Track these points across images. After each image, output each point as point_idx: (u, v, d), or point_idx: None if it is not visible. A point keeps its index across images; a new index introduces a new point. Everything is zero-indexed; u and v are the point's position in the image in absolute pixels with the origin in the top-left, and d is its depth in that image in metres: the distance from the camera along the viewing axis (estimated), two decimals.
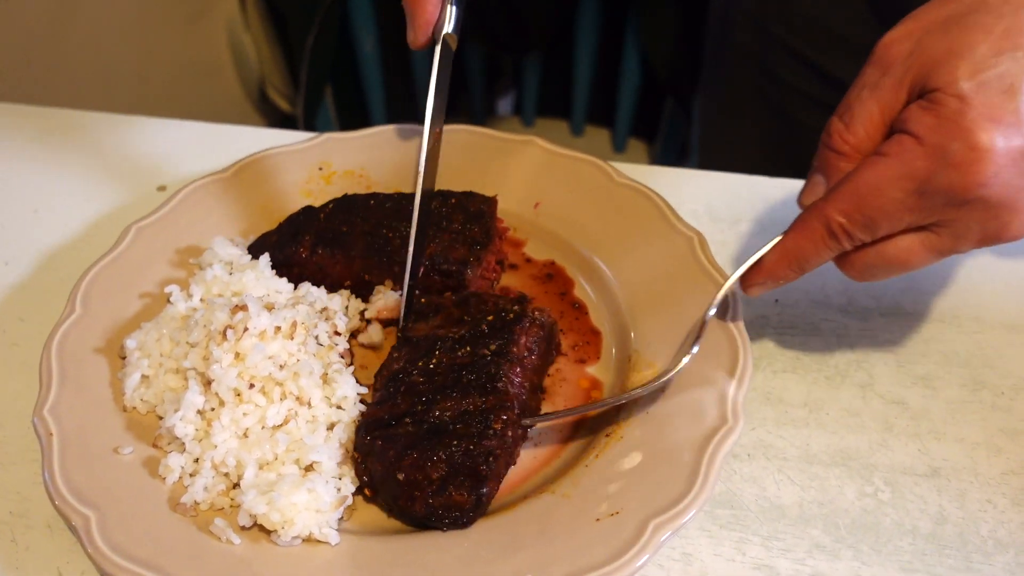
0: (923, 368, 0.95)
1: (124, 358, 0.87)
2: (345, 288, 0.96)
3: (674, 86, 2.09)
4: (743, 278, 0.87)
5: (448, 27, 0.89)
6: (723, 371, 0.85)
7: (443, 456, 0.75)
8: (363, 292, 0.96)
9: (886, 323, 1.00)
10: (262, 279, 0.90)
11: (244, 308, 0.81)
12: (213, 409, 0.80)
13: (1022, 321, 1.00)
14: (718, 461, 0.78)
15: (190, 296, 0.90)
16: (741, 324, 0.88)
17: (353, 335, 0.94)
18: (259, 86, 2.42)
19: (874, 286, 1.03)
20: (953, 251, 0.78)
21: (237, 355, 0.80)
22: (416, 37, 0.89)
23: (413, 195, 0.91)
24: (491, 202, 0.99)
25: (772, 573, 0.79)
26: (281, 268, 0.95)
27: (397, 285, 0.94)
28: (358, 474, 0.78)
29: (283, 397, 0.80)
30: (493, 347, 0.83)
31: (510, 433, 0.78)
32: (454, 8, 0.89)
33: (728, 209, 1.14)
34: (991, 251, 1.08)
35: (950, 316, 1.01)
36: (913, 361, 0.96)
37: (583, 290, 0.99)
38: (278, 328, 0.82)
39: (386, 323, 0.95)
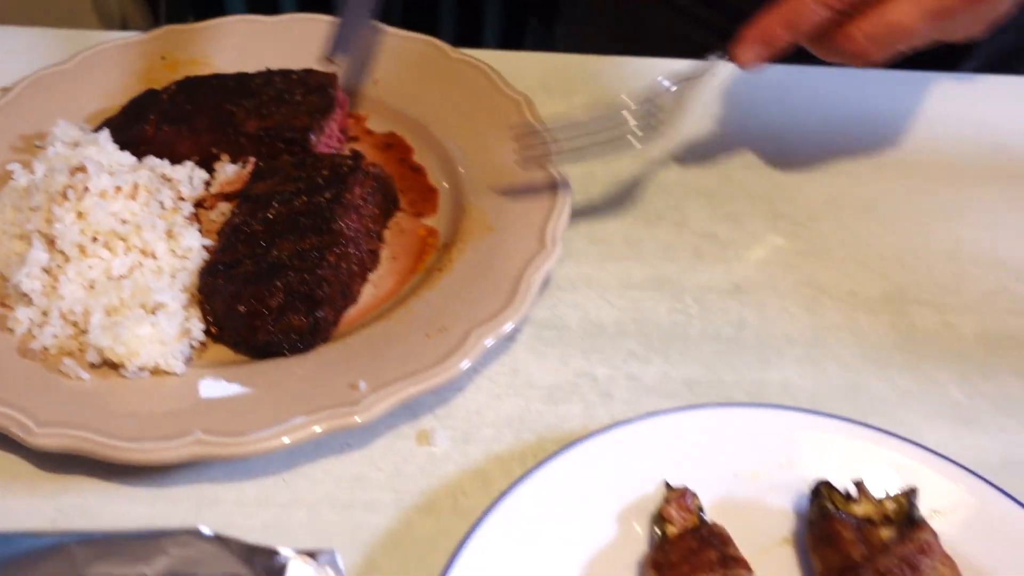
0: (731, 206, 1.05)
1: None
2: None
3: (536, 6, 2.16)
4: (735, 49, 0.85)
5: None
6: (543, 208, 0.93)
7: (280, 285, 0.81)
8: (211, 167, 1.00)
9: (700, 172, 1.10)
10: (104, 153, 0.93)
11: (83, 169, 0.85)
12: (59, 266, 0.83)
13: (817, 162, 1.11)
14: (537, 280, 0.86)
15: (33, 172, 0.92)
16: (560, 168, 0.97)
17: (202, 206, 0.98)
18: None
19: (688, 141, 1.13)
20: (941, 11, 0.80)
21: (80, 214, 0.84)
22: None
23: (255, 73, 0.96)
24: (331, 77, 1.04)
25: (591, 378, 0.87)
26: (127, 148, 0.98)
27: (241, 157, 0.99)
28: (203, 314, 0.84)
29: (128, 250, 0.85)
30: (328, 195, 0.89)
31: (344, 265, 0.84)
32: None
33: (564, 85, 1.21)
34: (791, 102, 1.19)
35: (755, 163, 1.11)
36: (722, 202, 1.06)
37: (421, 155, 1.05)
38: (119, 188, 0.86)
39: (232, 197, 0.99)
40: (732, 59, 0.87)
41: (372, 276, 0.92)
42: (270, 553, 0.55)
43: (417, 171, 1.03)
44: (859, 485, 0.74)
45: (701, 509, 0.74)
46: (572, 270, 0.97)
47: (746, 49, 0.83)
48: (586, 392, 0.86)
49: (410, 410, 0.83)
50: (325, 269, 0.82)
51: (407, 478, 0.79)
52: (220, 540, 0.56)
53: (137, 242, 0.85)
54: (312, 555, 0.57)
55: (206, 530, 0.56)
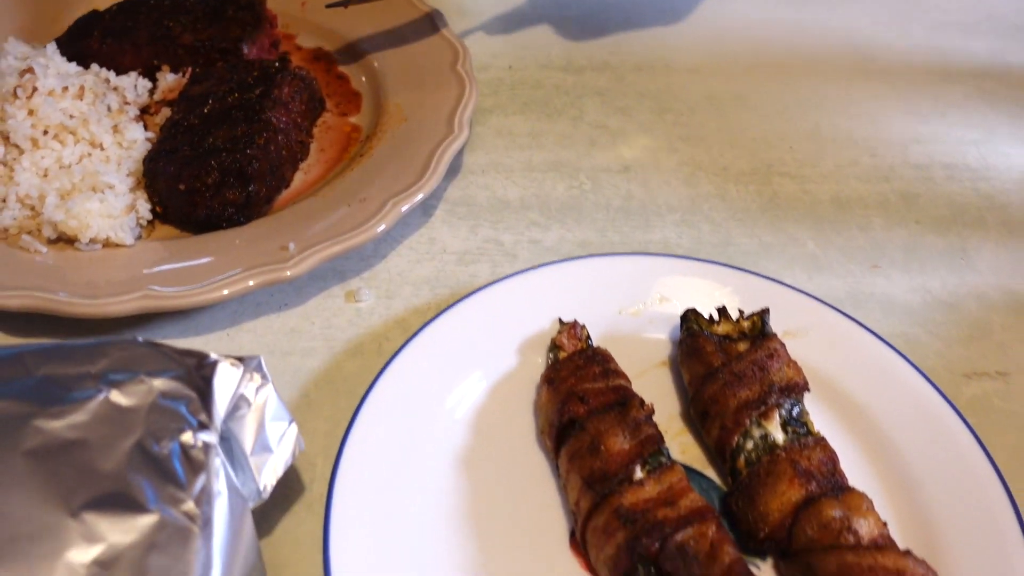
0: (622, 102, 1.09)
1: None
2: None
3: None
4: None
5: None
6: (451, 100, 0.96)
7: (214, 164, 0.83)
8: (154, 77, 1.01)
9: (595, 75, 1.13)
10: (52, 64, 0.94)
11: (31, 71, 0.85)
12: (14, 158, 0.84)
13: (702, 66, 1.15)
14: (446, 157, 0.89)
15: None
16: (469, 66, 0.99)
17: (147, 112, 0.99)
18: None
19: (585, 51, 1.16)
20: None
21: (31, 111, 0.85)
22: None
23: None
24: None
25: (498, 244, 0.91)
26: (73, 62, 0.98)
27: (180, 68, 1.00)
28: (149, 196, 0.85)
29: (77, 142, 0.86)
30: (258, 92, 0.90)
31: (272, 148, 0.86)
32: None
33: None
34: (676, 14, 1.22)
35: (647, 65, 1.15)
36: (615, 99, 1.10)
37: (346, 65, 1.07)
38: (66, 88, 0.87)
39: (174, 103, 1.00)
40: None
41: (303, 165, 0.94)
42: (200, 356, 0.59)
43: (342, 78, 1.05)
44: (721, 310, 0.79)
45: (589, 338, 0.78)
46: (482, 158, 1.01)
47: None
48: (494, 254, 0.90)
49: (339, 275, 0.87)
50: (254, 149, 0.84)
51: (337, 329, 0.83)
52: (154, 345, 0.58)
53: (85, 135, 0.86)
54: (240, 360, 0.60)
55: (142, 339, 0.59)
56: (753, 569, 0.66)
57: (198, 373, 0.57)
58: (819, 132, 1.06)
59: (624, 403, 0.70)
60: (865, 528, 0.64)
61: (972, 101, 1.12)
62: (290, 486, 0.71)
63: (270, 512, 0.69)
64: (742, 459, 0.70)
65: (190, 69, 0.97)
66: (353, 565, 0.63)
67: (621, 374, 0.74)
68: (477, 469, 0.72)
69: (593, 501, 0.65)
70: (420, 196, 0.85)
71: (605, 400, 0.71)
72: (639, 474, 0.67)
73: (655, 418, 0.70)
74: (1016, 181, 1.02)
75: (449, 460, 0.72)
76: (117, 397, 0.54)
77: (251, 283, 0.77)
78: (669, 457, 0.68)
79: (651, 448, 0.67)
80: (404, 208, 0.84)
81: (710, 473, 0.73)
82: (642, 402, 0.70)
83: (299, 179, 0.93)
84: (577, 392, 0.71)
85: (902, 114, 1.10)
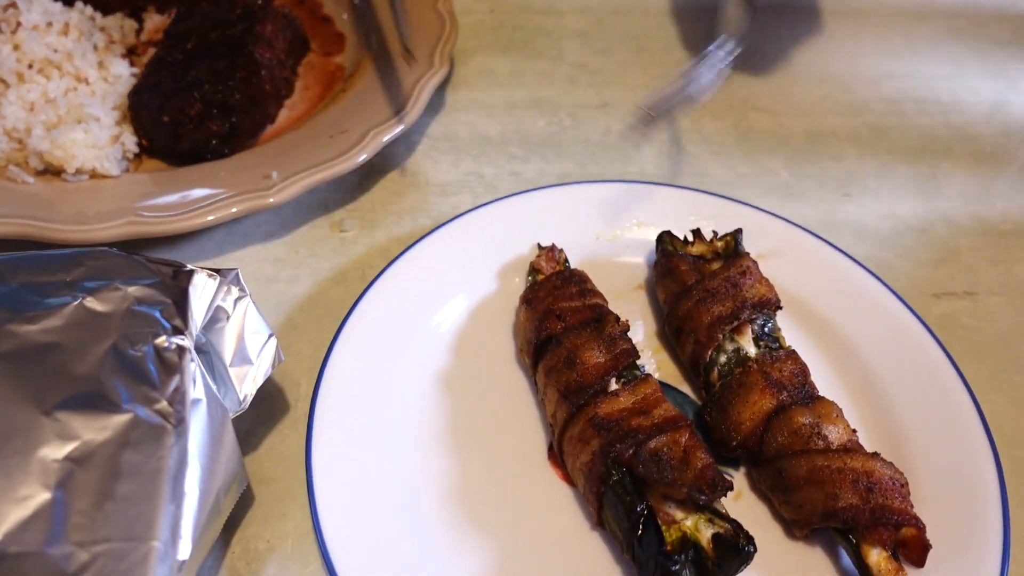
0: (602, 43, 1.06)
1: None
2: None
3: None
4: None
5: None
6: (433, 37, 0.92)
7: (197, 96, 0.79)
8: (140, 18, 0.97)
9: (575, 18, 1.09)
10: (37, 4, 0.90)
11: (13, 4, 0.81)
12: (1, 92, 0.81)
13: (678, 8, 1.11)
14: (427, 90, 0.86)
15: None
16: (449, 6, 0.95)
17: (134, 53, 0.95)
18: None
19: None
20: None
21: (16, 46, 0.81)
22: None
23: None
24: None
25: (479, 176, 0.88)
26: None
27: (166, 8, 0.95)
28: (134, 129, 0.82)
29: (62, 76, 0.82)
30: (240, 28, 0.87)
31: (254, 80, 0.83)
32: None
33: None
34: None
35: (625, 8, 1.11)
36: (594, 40, 1.06)
37: (329, 7, 1.03)
38: (50, 24, 0.83)
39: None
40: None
41: (288, 102, 0.90)
42: (176, 265, 0.56)
43: (326, 21, 1.01)
44: (695, 232, 0.76)
45: (566, 260, 0.76)
46: (464, 96, 0.97)
47: None
48: (474, 187, 0.87)
49: (324, 207, 0.84)
50: (236, 82, 0.81)
51: (321, 258, 0.80)
52: (129, 255, 0.56)
53: (71, 69, 0.82)
54: (217, 271, 0.57)
55: (117, 251, 0.56)
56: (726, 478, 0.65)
57: (173, 282, 0.54)
58: (793, 68, 1.03)
59: (600, 320, 0.67)
60: (835, 434, 0.62)
61: (943, 38, 1.09)
62: (275, 405, 0.69)
63: (256, 429, 0.67)
64: (715, 372, 0.68)
65: (175, 9, 0.93)
66: (334, 478, 0.61)
67: (597, 293, 0.71)
68: (457, 387, 0.69)
69: (569, 412, 0.63)
70: (400, 127, 0.82)
71: (582, 317, 0.68)
72: (614, 386, 0.64)
73: (633, 338, 0.68)
74: (985, 114, 0.98)
75: (429, 378, 0.70)
76: (92, 303, 0.51)
77: (234, 209, 0.74)
78: (644, 371, 0.66)
79: (626, 361, 0.65)
80: (385, 139, 0.80)
81: (685, 389, 0.71)
82: (617, 319, 0.68)
83: (284, 116, 0.89)
84: (554, 310, 0.69)
85: (875, 52, 1.07)
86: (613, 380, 0.65)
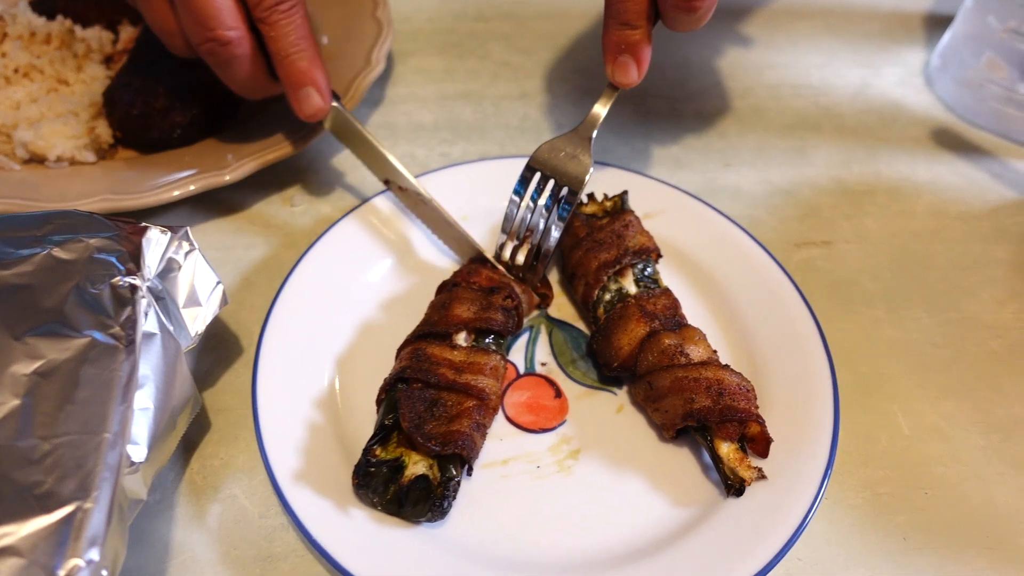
0: (524, 43, 1.11)
1: None
2: None
3: None
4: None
5: None
6: (371, 39, 0.97)
7: (162, 91, 0.84)
8: (116, 30, 1.01)
9: (501, 23, 1.14)
10: (22, 15, 0.94)
11: (2, 18, 0.86)
12: None
13: (590, 11, 1.17)
14: (364, 85, 0.90)
15: None
16: (386, 13, 1.00)
17: (111, 60, 0.99)
18: None
19: (494, 4, 1.17)
20: None
21: (3, 54, 0.85)
22: None
23: None
24: None
25: (413, 157, 0.93)
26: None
27: (140, 21, 1.00)
28: (109, 123, 0.86)
29: (44, 79, 0.86)
30: None
31: (214, 79, 0.87)
32: None
33: None
34: None
35: (546, 13, 1.16)
36: (517, 41, 1.11)
37: None
38: (34, 34, 0.87)
39: None
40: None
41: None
42: (133, 222, 0.61)
43: None
44: (590, 195, 0.82)
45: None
46: (402, 91, 1.02)
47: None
48: (409, 165, 0.90)
49: (278, 185, 0.89)
50: (195, 78, 0.85)
51: (275, 228, 0.85)
52: (92, 215, 0.61)
53: (52, 73, 0.86)
54: (169, 228, 0.62)
55: (82, 211, 0.61)
56: (610, 396, 0.70)
57: (130, 235, 0.59)
58: (687, 62, 1.09)
59: (495, 291, 0.71)
60: (696, 353, 0.68)
61: (819, 33, 1.15)
62: (231, 348, 0.74)
63: (214, 369, 0.72)
64: (601, 309, 0.73)
65: None
66: (275, 402, 0.66)
67: (514, 290, 0.74)
68: (382, 329, 0.74)
69: (408, 340, 0.68)
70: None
71: (484, 284, 0.73)
72: (462, 342, 0.68)
73: None
74: (850, 95, 1.05)
75: (357, 321, 0.74)
76: (59, 252, 0.56)
77: (192, 187, 0.79)
78: (502, 353, 0.69)
79: (482, 326, 0.68)
80: (327, 125, 0.85)
81: (580, 325, 0.77)
82: (511, 296, 0.71)
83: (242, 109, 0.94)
84: (467, 278, 0.74)
85: (761, 46, 1.13)
86: (464, 335, 0.69)
